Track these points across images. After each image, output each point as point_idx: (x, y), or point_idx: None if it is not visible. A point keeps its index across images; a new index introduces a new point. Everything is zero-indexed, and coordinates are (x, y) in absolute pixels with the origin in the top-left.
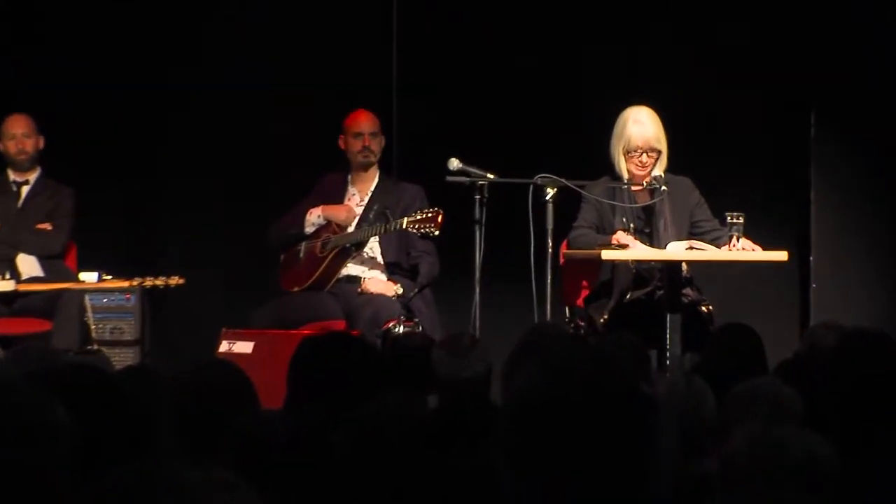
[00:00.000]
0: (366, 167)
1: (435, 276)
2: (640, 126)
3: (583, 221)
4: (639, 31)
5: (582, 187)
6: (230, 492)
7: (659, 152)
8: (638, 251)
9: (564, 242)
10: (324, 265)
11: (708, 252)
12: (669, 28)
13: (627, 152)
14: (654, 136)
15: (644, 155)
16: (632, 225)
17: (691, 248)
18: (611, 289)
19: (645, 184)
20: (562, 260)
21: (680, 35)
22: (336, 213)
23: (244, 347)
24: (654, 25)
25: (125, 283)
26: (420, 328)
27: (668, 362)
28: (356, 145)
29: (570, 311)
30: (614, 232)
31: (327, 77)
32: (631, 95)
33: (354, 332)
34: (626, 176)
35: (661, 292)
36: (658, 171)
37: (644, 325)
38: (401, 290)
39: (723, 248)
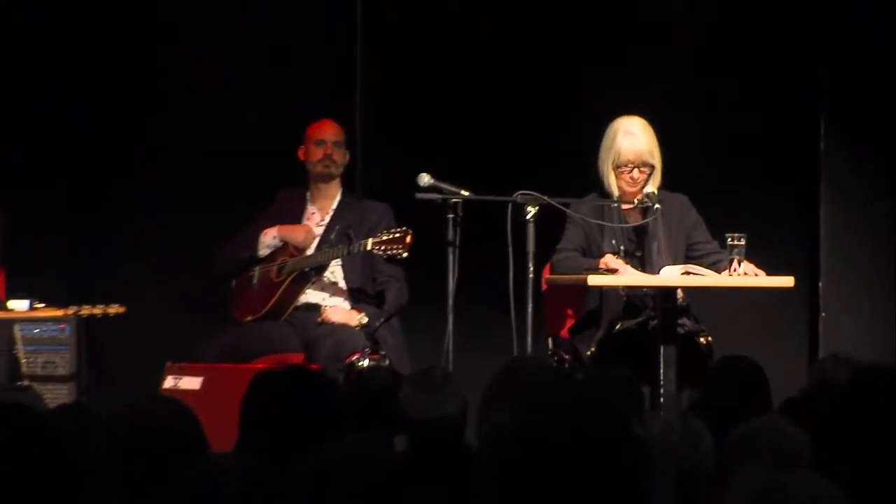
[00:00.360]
0: (326, 180)
1: (403, 303)
2: (632, 138)
3: (567, 243)
4: (631, 36)
5: (566, 206)
6: None
7: (652, 167)
8: (629, 276)
9: (547, 266)
10: (280, 292)
11: (706, 277)
12: (665, 33)
13: (617, 167)
14: (646, 150)
15: (635, 170)
16: (622, 247)
17: (688, 272)
18: (599, 318)
19: (636, 202)
20: (544, 286)
21: (676, 40)
22: (293, 233)
23: (191, 383)
24: (647, 30)
25: (59, 312)
26: (387, 362)
27: (662, 400)
28: (317, 153)
29: (553, 343)
30: (602, 255)
31: (284, 87)
32: (622, 105)
33: (314, 366)
34: (615, 193)
35: (655, 322)
36: (651, 187)
37: (636, 359)
38: (365, 320)
39: (723, 272)
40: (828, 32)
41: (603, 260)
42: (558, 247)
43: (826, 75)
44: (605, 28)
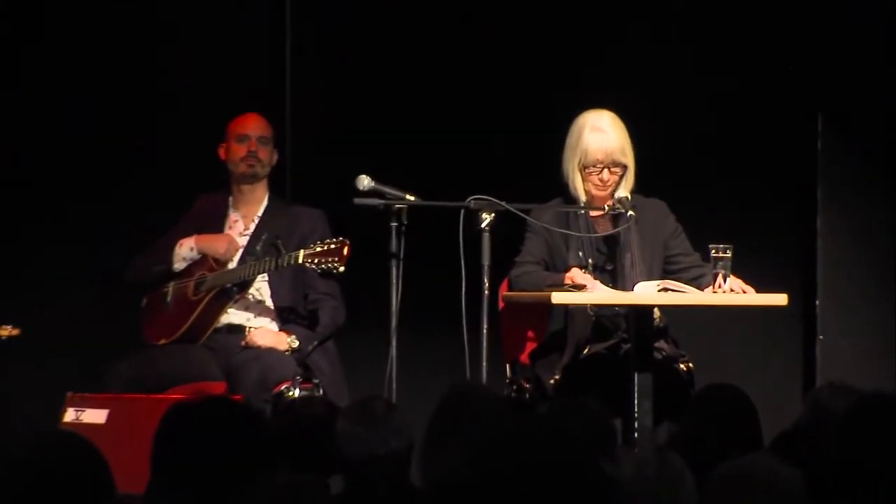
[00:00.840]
0: (251, 181)
1: (340, 324)
2: (601, 135)
3: (528, 256)
4: (605, 27)
5: (527, 213)
6: None
7: (624, 167)
8: (597, 293)
9: (505, 282)
10: (197, 311)
11: (687, 294)
12: (642, 24)
13: (584, 167)
14: (617, 147)
15: (605, 171)
16: (590, 260)
17: (665, 289)
18: (564, 341)
19: (606, 208)
20: (501, 304)
21: (654, 32)
22: (213, 244)
23: (96, 416)
24: (621, 20)
25: None
26: (321, 392)
27: (636, 434)
28: (240, 151)
29: (511, 370)
30: (568, 269)
31: (202, 78)
32: (591, 99)
33: (237, 397)
34: (583, 198)
35: (628, 346)
36: (623, 191)
37: (606, 388)
38: (296, 343)
39: (706, 289)
40: (826, 27)
41: (568, 275)
42: (517, 259)
43: (824, 71)
44: (575, 16)
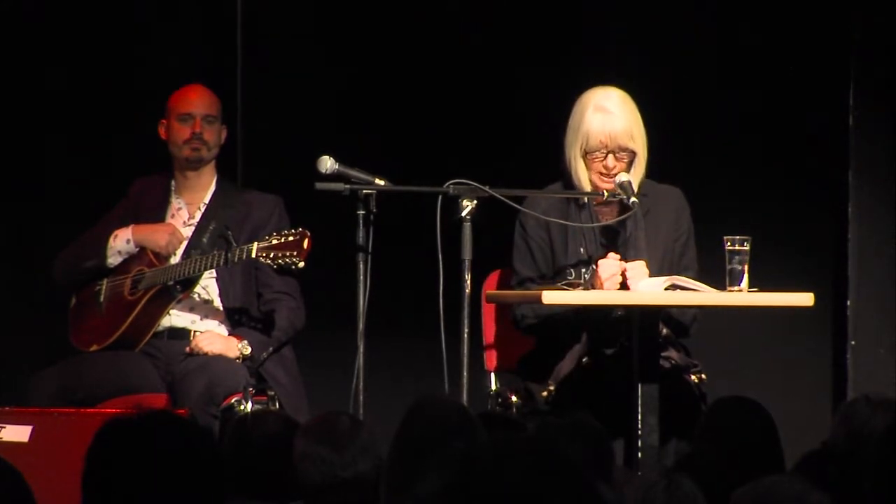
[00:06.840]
0: (196, 166)
1: (298, 328)
2: (606, 116)
3: (529, 270)
4: None
5: (515, 199)
6: None
7: (632, 154)
8: (592, 293)
9: (489, 278)
10: (135, 313)
11: (698, 294)
12: None
13: (587, 153)
14: (623, 130)
15: (610, 157)
16: (590, 255)
17: (674, 286)
18: (560, 346)
19: (605, 194)
20: (485, 304)
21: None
22: (153, 236)
23: (17, 433)
24: None
25: None
26: (276, 405)
27: (640, 455)
28: (183, 132)
29: (495, 380)
30: (564, 268)
31: (141, 44)
32: (590, 73)
33: (180, 411)
34: (586, 187)
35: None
36: (626, 175)
37: (606, 402)
38: (248, 350)
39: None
40: None
41: (600, 271)
42: (516, 267)
43: (855, 34)
44: None
